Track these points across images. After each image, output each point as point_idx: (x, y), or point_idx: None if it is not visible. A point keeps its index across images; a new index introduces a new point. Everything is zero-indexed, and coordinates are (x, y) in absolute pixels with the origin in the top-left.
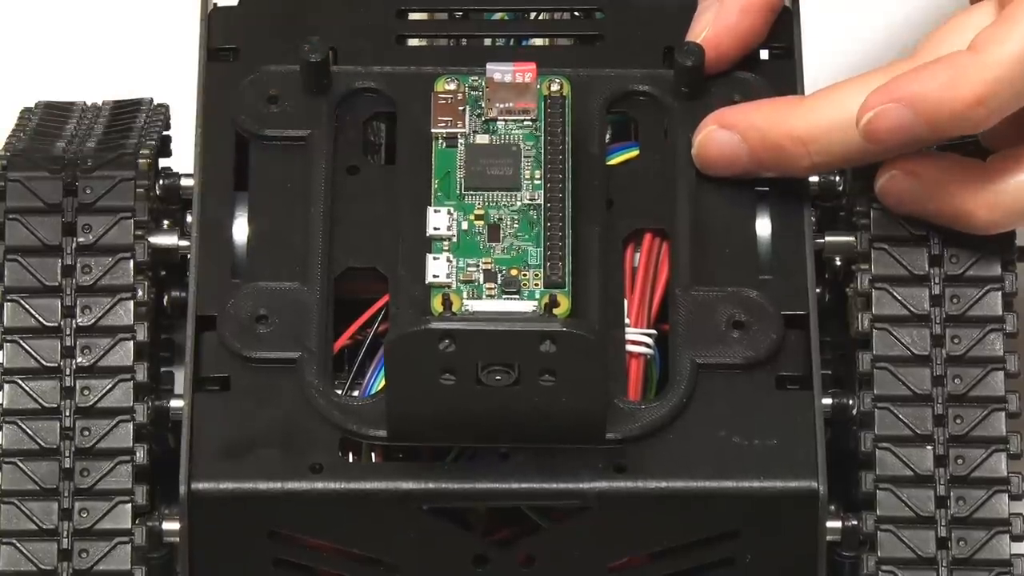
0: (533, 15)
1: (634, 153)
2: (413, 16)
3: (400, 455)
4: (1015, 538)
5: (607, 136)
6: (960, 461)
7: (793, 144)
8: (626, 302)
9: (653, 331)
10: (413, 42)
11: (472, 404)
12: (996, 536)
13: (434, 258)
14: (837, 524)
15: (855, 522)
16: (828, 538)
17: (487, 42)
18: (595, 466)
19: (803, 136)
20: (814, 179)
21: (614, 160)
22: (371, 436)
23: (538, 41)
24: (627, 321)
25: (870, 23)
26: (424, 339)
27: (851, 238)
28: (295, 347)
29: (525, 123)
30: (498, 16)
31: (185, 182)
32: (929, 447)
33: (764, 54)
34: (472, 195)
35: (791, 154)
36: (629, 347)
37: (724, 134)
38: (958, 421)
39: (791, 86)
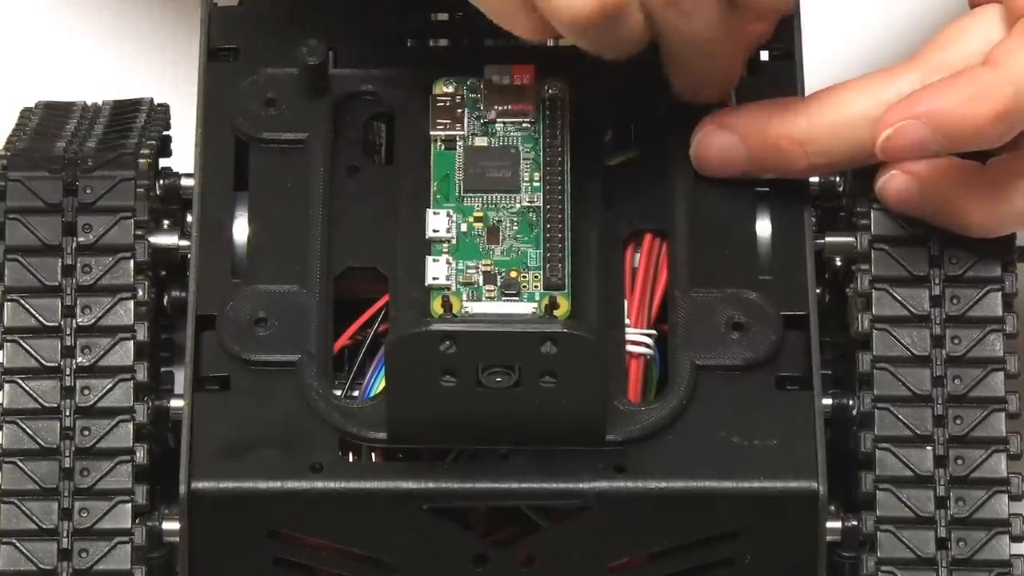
0: None
1: (634, 153)
2: (414, 17)
3: (400, 455)
4: (1015, 539)
5: (607, 137)
6: (960, 462)
7: (791, 145)
8: (626, 303)
9: (653, 331)
10: (413, 43)
11: (473, 406)
12: (996, 537)
13: (433, 260)
14: (837, 524)
15: (855, 522)
16: (828, 538)
17: (488, 43)
18: (595, 466)
19: (802, 138)
20: (814, 179)
21: (614, 161)
22: (371, 439)
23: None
24: (627, 321)
25: (870, 24)
26: (425, 341)
27: (851, 238)
28: (294, 350)
29: (524, 125)
30: None
31: (185, 182)
32: (929, 448)
33: (764, 55)
34: (471, 197)
35: (789, 155)
36: (629, 347)
37: (723, 135)
38: (958, 422)
39: (791, 87)
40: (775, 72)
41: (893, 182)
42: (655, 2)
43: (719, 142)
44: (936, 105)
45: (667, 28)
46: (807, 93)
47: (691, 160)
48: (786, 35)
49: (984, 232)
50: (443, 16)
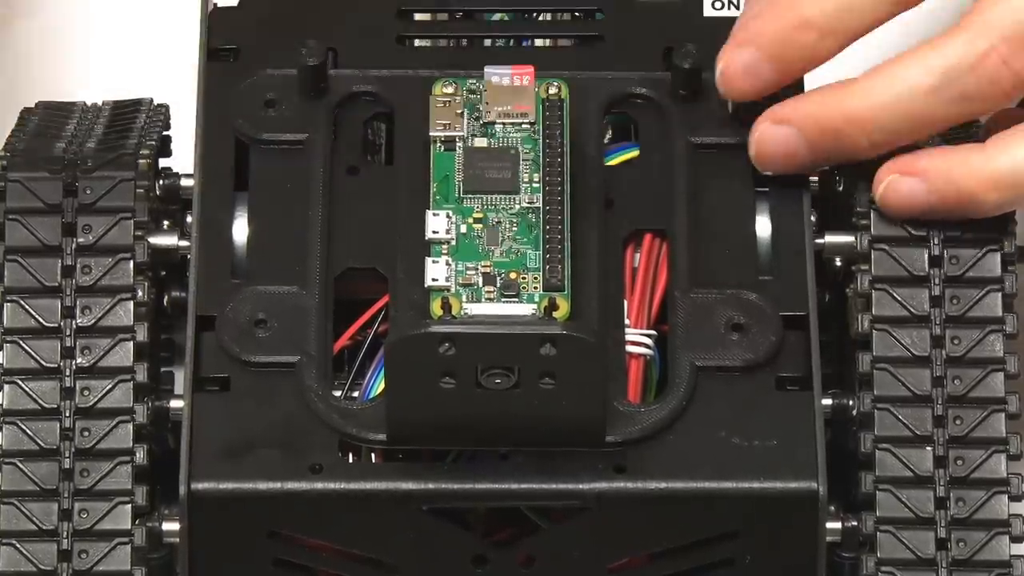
0: (533, 16)
1: (634, 153)
2: (413, 17)
3: (400, 455)
4: (1015, 539)
5: (607, 136)
6: (960, 462)
7: (851, 128)
8: (626, 303)
9: (653, 332)
10: (413, 43)
11: (472, 408)
12: (996, 537)
13: (433, 261)
14: (837, 525)
15: (855, 523)
16: (828, 539)
17: (487, 43)
18: (595, 466)
19: (859, 118)
20: (814, 179)
21: (614, 160)
22: (371, 440)
23: (538, 42)
24: (627, 322)
25: None
26: (424, 343)
27: (851, 238)
28: (294, 351)
29: (523, 126)
30: (498, 17)
31: (185, 182)
32: (929, 448)
33: None
34: (471, 198)
35: (851, 138)
36: (629, 348)
37: (779, 129)
38: (958, 422)
39: (792, 87)
40: None
41: (897, 186)
42: None
43: (777, 137)
44: (936, 166)
45: None
46: (806, 90)
47: (752, 160)
48: None
49: (1000, 209)
50: (443, 16)
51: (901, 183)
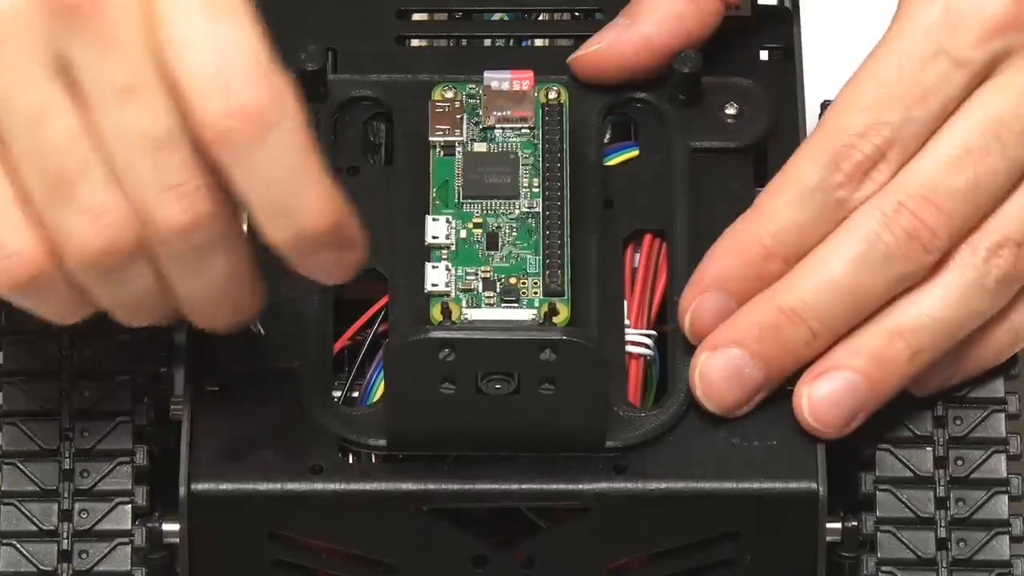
0: (533, 16)
1: (634, 153)
2: (413, 17)
3: (400, 456)
4: (1014, 539)
5: (607, 136)
6: (960, 462)
7: (789, 320)
8: (626, 303)
9: (653, 332)
10: (412, 45)
11: (472, 413)
12: (996, 537)
13: (433, 267)
14: (837, 525)
15: (855, 523)
16: (828, 539)
17: (487, 43)
18: (595, 467)
19: (794, 308)
20: None
21: (614, 160)
22: (371, 446)
23: (538, 42)
24: (627, 322)
25: (870, 23)
26: (424, 348)
27: None
28: (293, 357)
29: (523, 131)
30: (497, 17)
31: None
32: (929, 448)
33: (764, 55)
34: (470, 203)
35: (792, 332)
36: (629, 348)
37: (719, 355)
38: (958, 422)
39: (790, 88)
40: (774, 73)
41: (820, 392)
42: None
43: (719, 364)
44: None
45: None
46: (807, 94)
47: (701, 401)
48: (785, 34)
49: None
50: (442, 16)
51: (823, 388)
